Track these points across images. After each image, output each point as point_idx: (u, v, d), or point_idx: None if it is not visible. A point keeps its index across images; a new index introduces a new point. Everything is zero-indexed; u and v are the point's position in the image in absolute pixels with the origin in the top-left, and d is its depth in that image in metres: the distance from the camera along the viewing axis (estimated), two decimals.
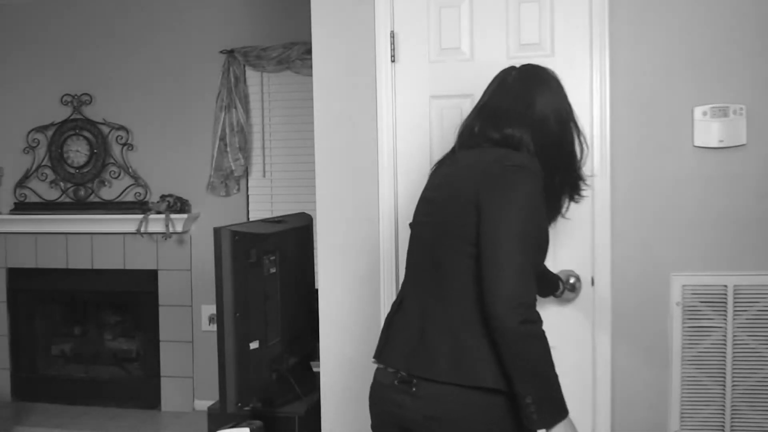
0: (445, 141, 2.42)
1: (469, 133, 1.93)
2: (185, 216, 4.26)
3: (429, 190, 1.95)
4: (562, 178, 1.92)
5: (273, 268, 2.80)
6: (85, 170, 4.47)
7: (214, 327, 4.19)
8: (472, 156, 1.89)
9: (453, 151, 1.99)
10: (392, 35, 2.68)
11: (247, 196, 4.38)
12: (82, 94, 4.45)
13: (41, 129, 4.51)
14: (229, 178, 4.30)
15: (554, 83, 1.95)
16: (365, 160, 2.74)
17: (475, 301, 1.71)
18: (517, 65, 2.02)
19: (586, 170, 2.03)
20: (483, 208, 1.72)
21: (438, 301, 1.79)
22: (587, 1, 2.64)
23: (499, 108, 1.91)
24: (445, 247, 1.79)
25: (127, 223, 4.30)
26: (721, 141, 2.59)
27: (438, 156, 2.09)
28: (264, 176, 4.36)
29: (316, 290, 2.88)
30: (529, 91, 1.90)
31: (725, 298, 2.60)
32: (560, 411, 1.66)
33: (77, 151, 4.48)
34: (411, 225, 1.97)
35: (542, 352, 1.65)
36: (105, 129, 4.45)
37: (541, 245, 1.83)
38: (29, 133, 4.51)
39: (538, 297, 1.80)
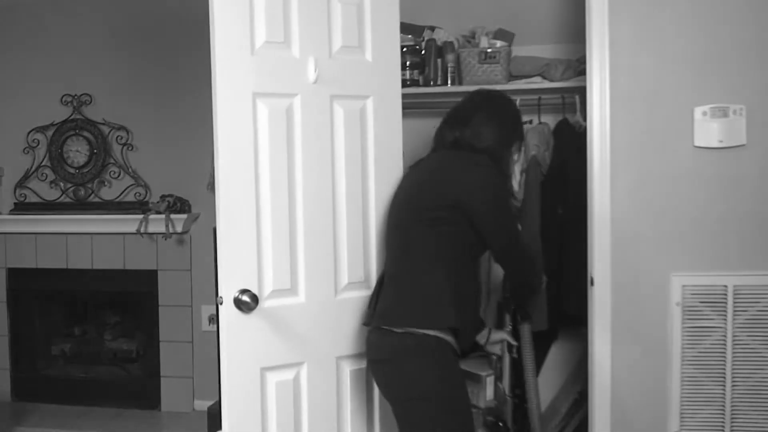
0: None
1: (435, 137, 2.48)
2: (185, 216, 4.25)
3: (403, 186, 2.44)
4: None
5: None
6: (85, 170, 4.47)
7: (214, 327, 4.19)
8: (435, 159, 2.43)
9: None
10: None
11: None
12: (82, 94, 4.45)
13: (41, 129, 4.50)
14: None
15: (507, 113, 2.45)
16: None
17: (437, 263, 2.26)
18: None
19: None
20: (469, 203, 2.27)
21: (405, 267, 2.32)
22: (587, 1, 2.65)
23: (455, 113, 2.44)
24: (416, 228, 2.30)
25: (127, 223, 4.30)
26: (721, 141, 2.59)
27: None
28: None
29: None
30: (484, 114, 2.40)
31: (725, 298, 2.60)
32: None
33: (77, 151, 4.48)
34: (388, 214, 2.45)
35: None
36: (105, 129, 4.44)
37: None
38: (29, 133, 4.51)
39: None
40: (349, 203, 2.45)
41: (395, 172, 2.55)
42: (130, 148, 4.43)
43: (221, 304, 2.25)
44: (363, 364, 2.47)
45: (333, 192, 2.43)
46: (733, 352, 2.61)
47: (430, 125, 3.73)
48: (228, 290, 2.25)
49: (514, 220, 2.40)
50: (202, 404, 4.24)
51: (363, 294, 2.48)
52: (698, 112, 2.60)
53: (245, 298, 2.24)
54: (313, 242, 2.39)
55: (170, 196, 4.28)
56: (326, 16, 2.40)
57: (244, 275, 2.28)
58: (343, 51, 2.43)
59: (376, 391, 2.46)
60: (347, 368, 2.49)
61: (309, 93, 2.37)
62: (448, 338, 2.23)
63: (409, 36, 3.59)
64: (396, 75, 2.56)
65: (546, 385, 3.64)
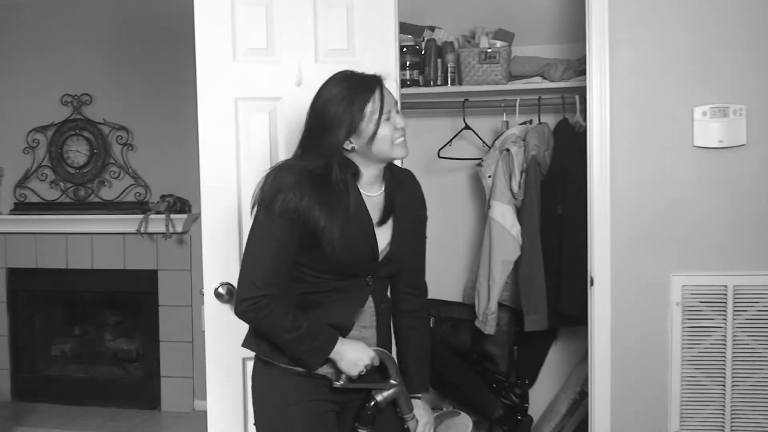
0: None
1: None
2: (185, 216, 4.25)
3: None
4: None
5: None
6: (85, 170, 4.47)
7: None
8: None
9: None
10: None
11: None
12: (82, 94, 4.45)
13: (41, 129, 4.50)
14: None
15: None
16: None
17: None
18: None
19: None
20: None
21: None
22: (587, 1, 2.65)
23: None
24: None
25: (127, 223, 4.30)
26: (721, 141, 2.59)
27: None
28: None
29: None
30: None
31: (725, 298, 2.60)
32: (317, 357, 1.90)
33: (77, 151, 4.48)
34: None
35: (269, 325, 1.88)
36: (105, 129, 4.44)
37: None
38: (29, 133, 4.51)
39: None
40: None
41: None
42: (130, 148, 4.43)
43: (202, 294, 2.42)
44: None
45: None
46: (733, 352, 2.61)
47: (430, 125, 3.72)
48: (210, 282, 2.41)
49: (252, 239, 1.90)
50: (202, 404, 4.23)
51: None
52: (698, 112, 2.60)
53: (221, 290, 2.40)
54: None
55: (170, 196, 4.28)
56: (312, 21, 2.45)
57: (226, 270, 2.39)
58: (331, 54, 2.47)
59: None
60: None
61: (293, 96, 2.41)
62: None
63: (409, 36, 3.59)
64: (391, 75, 2.56)
65: (546, 385, 3.64)
